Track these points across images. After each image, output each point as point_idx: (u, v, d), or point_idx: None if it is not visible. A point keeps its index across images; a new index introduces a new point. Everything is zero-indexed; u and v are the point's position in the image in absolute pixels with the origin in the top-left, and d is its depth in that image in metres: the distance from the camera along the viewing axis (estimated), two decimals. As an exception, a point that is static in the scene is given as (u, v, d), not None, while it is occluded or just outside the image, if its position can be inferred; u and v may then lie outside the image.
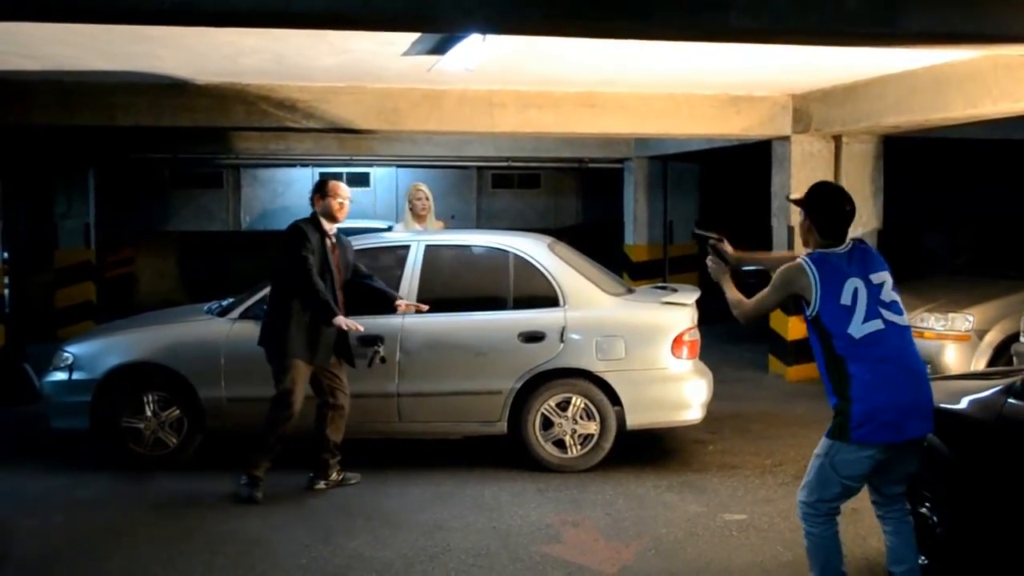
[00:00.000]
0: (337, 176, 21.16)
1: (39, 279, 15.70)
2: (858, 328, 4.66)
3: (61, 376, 8.08)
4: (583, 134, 12.63)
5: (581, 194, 22.73)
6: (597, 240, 17.49)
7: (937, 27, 5.56)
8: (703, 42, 7.51)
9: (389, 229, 9.61)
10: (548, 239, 8.58)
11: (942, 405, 5.50)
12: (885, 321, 4.71)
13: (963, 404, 5.41)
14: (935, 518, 5.07)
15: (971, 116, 9.34)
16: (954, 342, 9.58)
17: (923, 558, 5.12)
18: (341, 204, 7.37)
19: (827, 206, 4.99)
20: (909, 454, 4.80)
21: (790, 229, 11.65)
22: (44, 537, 6.51)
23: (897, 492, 4.92)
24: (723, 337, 12.30)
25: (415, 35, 7.84)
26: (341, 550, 6.20)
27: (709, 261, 5.34)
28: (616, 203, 18.55)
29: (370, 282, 7.70)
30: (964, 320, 9.61)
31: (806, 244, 5.02)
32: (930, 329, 9.74)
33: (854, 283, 4.72)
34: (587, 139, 15.84)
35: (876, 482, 4.89)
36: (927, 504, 5.14)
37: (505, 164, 19.12)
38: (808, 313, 4.80)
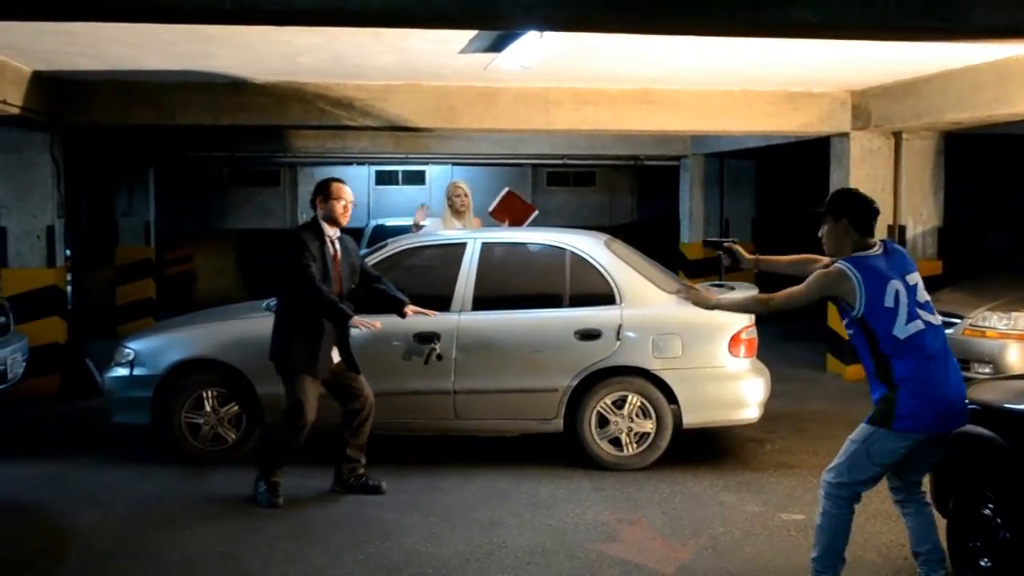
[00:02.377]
0: (393, 174, 21.51)
1: (100, 276, 15.95)
2: (902, 329, 4.85)
3: (122, 372, 8.18)
4: (639, 131, 12.61)
5: (636, 192, 22.67)
6: (653, 238, 17.42)
7: (1001, 21, 5.47)
8: (763, 37, 7.45)
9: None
10: (605, 236, 8.56)
11: (1007, 405, 5.43)
12: (924, 321, 4.90)
13: (1028, 404, 5.32)
14: (999, 520, 4.99)
15: (1036, 112, 9.20)
16: (1018, 341, 9.43)
17: (986, 560, 5.05)
18: (345, 207, 7.09)
19: (862, 206, 5.13)
20: (938, 446, 5.04)
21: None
22: (105, 529, 6.60)
23: (917, 480, 5.20)
24: (780, 336, 12.23)
25: (472, 33, 7.85)
26: (398, 546, 6.23)
27: (703, 288, 5.68)
28: (672, 201, 18.47)
29: (379, 285, 7.43)
30: (1028, 319, 9.47)
31: (839, 250, 5.11)
32: (992, 328, 9.61)
33: (895, 285, 4.90)
34: (643, 136, 15.79)
35: (900, 471, 5.12)
36: (991, 506, 5.06)
37: (560, 162, 19.10)
38: (852, 315, 4.94)
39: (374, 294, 7.41)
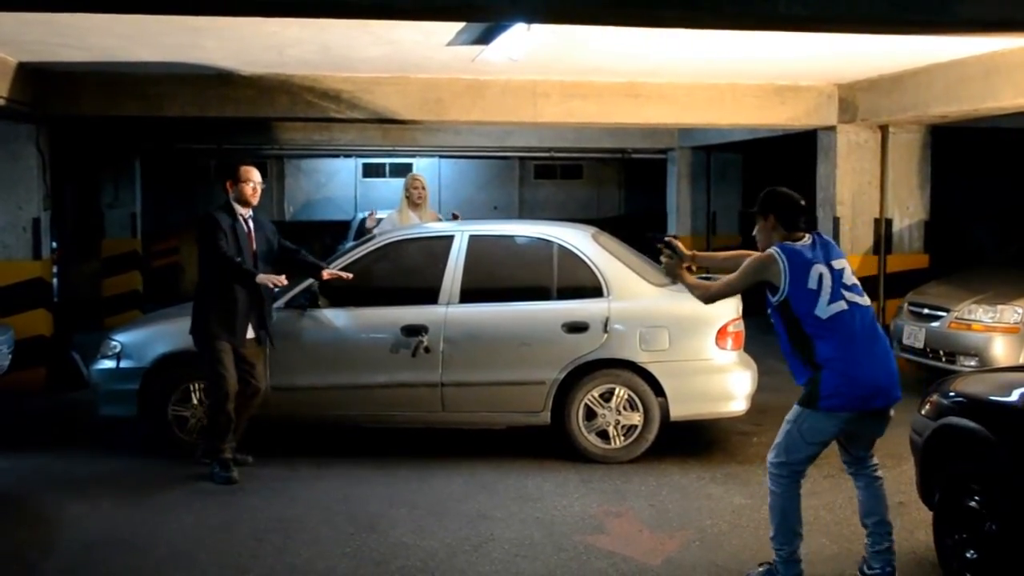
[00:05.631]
0: (380, 167, 21.47)
1: (87, 268, 15.88)
2: (824, 309, 5.10)
3: (109, 364, 8.15)
4: (626, 124, 12.63)
5: (624, 185, 22.69)
6: (640, 231, 17.45)
7: (990, 14, 5.49)
8: (751, 30, 7.45)
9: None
10: (592, 229, 8.56)
11: (993, 398, 5.45)
12: (848, 302, 5.14)
13: (1014, 397, 5.34)
14: (985, 512, 5.01)
15: (1021, 106, 9.21)
16: (1003, 334, 9.46)
17: (972, 552, 5.07)
18: (253, 188, 7.58)
19: (787, 203, 5.39)
20: (875, 422, 5.24)
21: (836, 220, 11.55)
22: (91, 523, 6.58)
23: (864, 454, 5.38)
24: (767, 328, 12.22)
25: (460, 25, 7.84)
26: (385, 539, 6.23)
27: (663, 258, 5.77)
28: (659, 194, 18.49)
29: (299, 256, 7.90)
30: (1013, 312, 9.49)
31: (769, 245, 5.33)
32: (978, 321, 9.64)
33: (819, 269, 5.15)
34: (630, 129, 15.80)
35: (846, 445, 5.37)
36: (977, 498, 5.08)
37: (547, 155, 19.10)
38: (775, 299, 5.21)
39: (295, 264, 7.88)
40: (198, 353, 7.53)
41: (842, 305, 5.10)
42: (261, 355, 7.68)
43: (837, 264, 5.22)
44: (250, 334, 7.52)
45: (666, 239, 5.80)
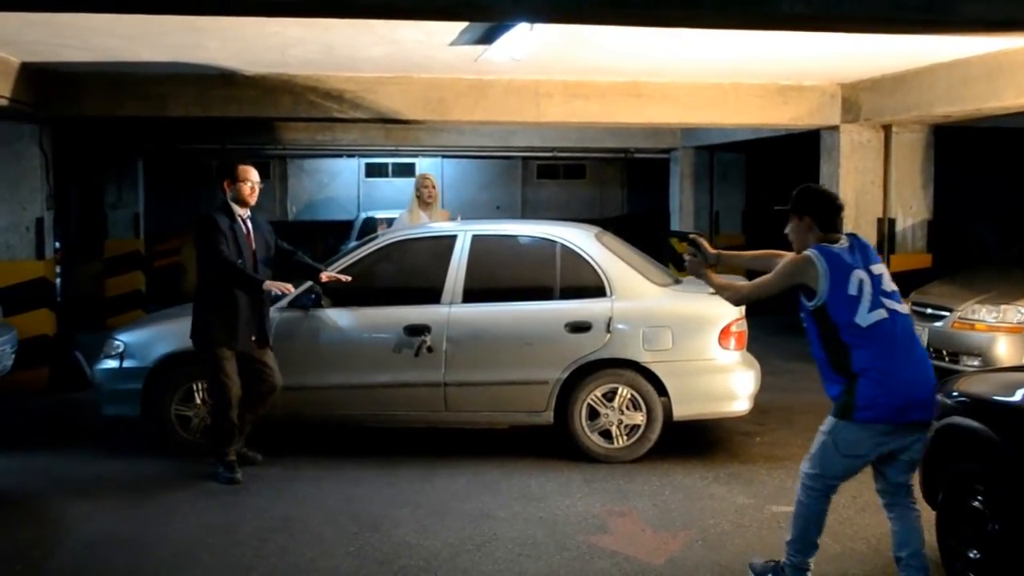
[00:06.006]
0: (383, 167, 21.49)
1: (89, 268, 15.91)
2: (864, 317, 4.84)
3: (112, 364, 8.15)
4: (629, 124, 12.64)
5: (627, 184, 22.71)
6: (643, 231, 17.46)
7: (993, 14, 5.48)
8: (754, 30, 7.45)
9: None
10: (595, 229, 8.56)
11: (996, 398, 5.44)
12: (888, 310, 4.89)
13: (1017, 396, 5.34)
14: (988, 512, 5.00)
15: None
16: (1006, 334, 9.45)
17: (975, 552, 5.06)
18: (251, 188, 7.49)
19: (824, 203, 5.17)
20: (912, 439, 4.93)
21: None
22: (94, 523, 6.58)
23: (902, 481, 5.05)
24: (771, 328, 12.22)
25: (463, 25, 7.84)
26: (388, 538, 6.22)
27: (687, 257, 5.52)
28: (662, 193, 18.50)
29: (296, 257, 7.85)
30: (1016, 312, 9.48)
31: (804, 247, 5.10)
32: (982, 321, 9.63)
33: (859, 274, 4.90)
34: (633, 129, 15.82)
35: (882, 469, 5.05)
36: (980, 498, 5.08)
37: (550, 154, 19.12)
38: (812, 303, 4.94)
39: (292, 265, 7.82)
40: (202, 356, 7.50)
41: (882, 313, 4.85)
42: (268, 353, 7.62)
43: (876, 269, 4.98)
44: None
45: (690, 236, 5.59)
